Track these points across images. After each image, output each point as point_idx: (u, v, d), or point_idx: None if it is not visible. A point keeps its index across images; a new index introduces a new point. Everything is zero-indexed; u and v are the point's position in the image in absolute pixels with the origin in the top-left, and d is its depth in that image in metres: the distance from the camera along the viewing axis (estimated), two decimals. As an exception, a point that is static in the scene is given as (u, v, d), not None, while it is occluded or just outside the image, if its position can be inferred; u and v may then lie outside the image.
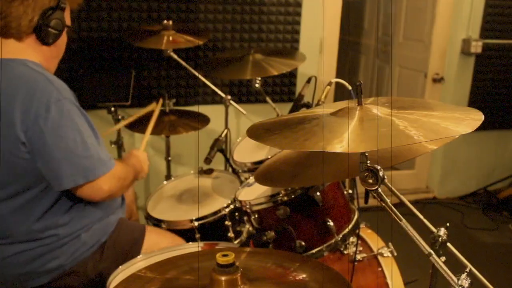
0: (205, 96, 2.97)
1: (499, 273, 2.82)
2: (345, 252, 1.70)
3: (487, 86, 3.67)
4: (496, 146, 3.92)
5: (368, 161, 0.93)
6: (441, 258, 0.94)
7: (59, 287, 1.57)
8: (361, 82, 1.01)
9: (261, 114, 2.61)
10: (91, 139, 1.48)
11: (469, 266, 0.97)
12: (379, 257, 1.73)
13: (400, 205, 1.05)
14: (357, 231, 1.60)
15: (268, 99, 2.46)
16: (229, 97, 2.41)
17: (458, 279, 0.89)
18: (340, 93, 2.69)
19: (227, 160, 2.26)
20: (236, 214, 1.94)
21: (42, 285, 1.55)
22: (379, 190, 0.94)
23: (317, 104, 1.71)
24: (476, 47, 3.46)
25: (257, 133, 1.02)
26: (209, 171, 2.25)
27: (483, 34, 3.50)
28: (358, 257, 1.70)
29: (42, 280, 1.55)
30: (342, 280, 0.98)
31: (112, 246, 1.64)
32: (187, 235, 1.86)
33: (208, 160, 2.13)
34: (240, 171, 2.05)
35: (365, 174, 0.93)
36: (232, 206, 1.93)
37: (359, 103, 1.01)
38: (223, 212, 1.92)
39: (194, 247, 1.65)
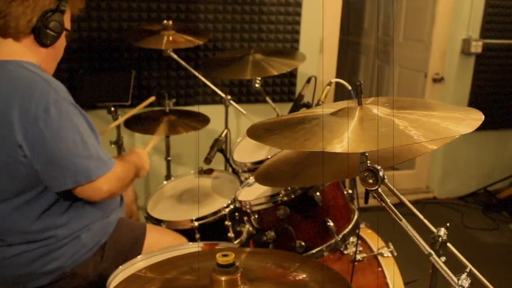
0: (205, 96, 2.97)
1: (499, 273, 2.82)
2: (345, 252, 1.70)
3: (487, 86, 3.66)
4: (496, 146, 3.92)
5: (368, 161, 0.93)
6: (441, 258, 0.94)
7: (59, 288, 1.57)
8: (361, 82, 1.01)
9: (261, 114, 2.61)
10: (90, 139, 1.47)
11: (469, 266, 0.97)
12: (379, 257, 1.73)
13: (400, 205, 1.05)
14: (357, 231, 1.60)
15: (268, 99, 2.46)
16: (229, 97, 2.41)
17: (458, 279, 0.89)
18: (340, 93, 2.68)
19: (227, 160, 2.26)
20: (236, 214, 1.94)
21: (42, 286, 1.55)
22: (379, 190, 0.94)
23: (317, 104, 1.70)
24: (476, 47, 3.46)
25: (257, 133, 1.02)
26: (209, 171, 2.25)
27: (483, 34, 3.50)
28: (358, 257, 1.70)
29: (42, 281, 1.54)
30: (342, 280, 0.98)
31: (113, 246, 1.64)
32: (187, 235, 1.86)
33: (208, 160, 2.13)
34: (240, 171, 2.05)
35: (365, 174, 0.93)
36: (232, 206, 1.92)
37: (359, 103, 1.01)
38: (223, 212, 1.92)
39: (194, 247, 1.65)
